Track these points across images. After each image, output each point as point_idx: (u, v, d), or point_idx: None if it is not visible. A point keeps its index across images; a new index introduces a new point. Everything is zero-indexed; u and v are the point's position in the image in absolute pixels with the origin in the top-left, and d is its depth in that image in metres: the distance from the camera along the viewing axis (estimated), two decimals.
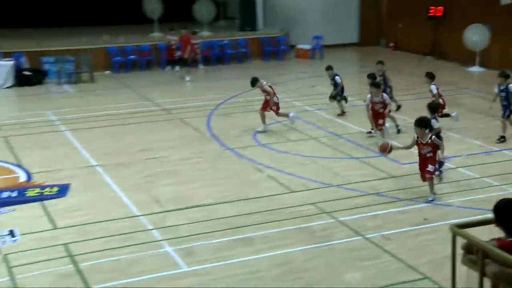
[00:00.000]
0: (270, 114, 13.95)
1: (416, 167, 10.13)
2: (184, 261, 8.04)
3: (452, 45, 22.48)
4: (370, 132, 13.39)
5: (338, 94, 15.10)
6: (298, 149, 12.74)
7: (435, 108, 11.25)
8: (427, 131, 9.68)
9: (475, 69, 21.23)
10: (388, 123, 13.06)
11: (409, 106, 14.90)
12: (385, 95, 13.05)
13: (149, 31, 24.67)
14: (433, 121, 10.37)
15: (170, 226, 9.10)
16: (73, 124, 14.94)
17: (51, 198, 10.25)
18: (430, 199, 9.82)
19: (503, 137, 12.80)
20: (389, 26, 26.51)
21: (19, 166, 11.90)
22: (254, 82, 13.90)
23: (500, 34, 20.56)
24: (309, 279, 7.58)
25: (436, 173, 10.10)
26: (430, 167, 9.71)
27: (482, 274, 4.96)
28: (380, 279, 7.54)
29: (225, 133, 13.72)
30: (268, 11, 26.29)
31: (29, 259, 8.08)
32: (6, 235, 8.83)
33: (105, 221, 9.31)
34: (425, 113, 10.60)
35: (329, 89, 15.43)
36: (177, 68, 20.92)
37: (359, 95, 16.54)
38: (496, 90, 13.02)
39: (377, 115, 12.86)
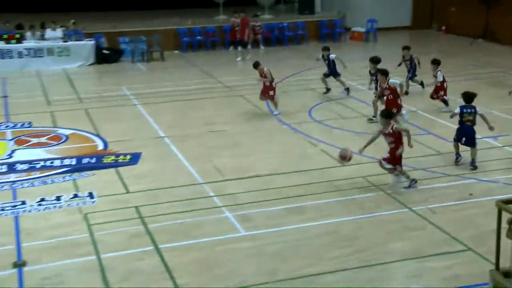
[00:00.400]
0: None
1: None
2: (242, 226, 8.10)
3: (504, 28, 21.54)
4: (371, 119, 12.67)
5: (332, 74, 14.87)
6: (350, 125, 12.56)
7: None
8: (391, 121, 9.05)
9: None
10: (404, 109, 12.17)
11: (458, 88, 14.42)
12: (391, 80, 11.89)
13: (215, 14, 24.69)
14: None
15: (230, 194, 9.16)
16: (144, 98, 15.18)
17: (124, 165, 10.48)
18: (407, 185, 9.11)
19: None
20: (441, 9, 25.59)
21: (98, 135, 12.21)
22: (256, 65, 13.62)
23: None
24: (356, 246, 7.51)
25: (387, 167, 9.17)
26: (385, 155, 9.14)
27: None
28: (425, 248, 7.39)
29: (282, 110, 13.64)
30: None
31: (105, 219, 8.31)
32: (86, 196, 9.10)
33: (172, 187, 9.45)
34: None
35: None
36: (239, 48, 20.94)
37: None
38: None
39: (388, 102, 11.82)
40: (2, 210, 8.63)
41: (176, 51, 22.18)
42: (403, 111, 12.12)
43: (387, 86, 11.85)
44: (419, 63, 14.54)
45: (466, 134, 9.94)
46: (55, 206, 8.77)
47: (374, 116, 12.59)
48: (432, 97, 13.51)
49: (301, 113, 13.50)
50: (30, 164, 10.54)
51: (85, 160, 10.71)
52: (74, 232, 7.93)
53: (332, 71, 14.93)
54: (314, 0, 25.44)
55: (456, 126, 10.24)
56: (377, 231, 7.95)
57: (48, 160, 10.73)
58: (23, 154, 11.07)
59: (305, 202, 8.81)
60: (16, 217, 8.42)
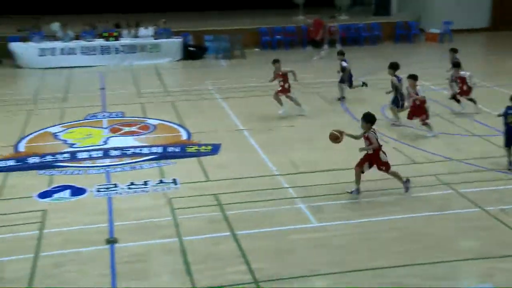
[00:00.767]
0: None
1: None
2: (314, 217, 8.02)
3: None
4: (393, 124, 12.03)
5: (344, 79, 14.18)
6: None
7: None
8: (370, 126, 8.45)
9: None
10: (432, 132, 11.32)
11: None
12: (418, 87, 11.34)
13: (294, 15, 24.59)
14: None
15: (303, 186, 9.10)
16: (225, 93, 15.34)
17: (205, 155, 10.64)
18: (350, 190, 8.58)
19: None
20: None
21: (182, 126, 12.46)
22: (275, 61, 13.15)
23: None
24: (425, 242, 7.26)
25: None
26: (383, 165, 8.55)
27: None
28: (496, 248, 7.04)
29: (356, 108, 13.39)
30: None
31: (187, 204, 8.47)
32: (170, 182, 9.31)
33: (249, 177, 9.50)
34: None
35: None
36: (326, 47, 20.87)
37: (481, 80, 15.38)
38: None
39: (415, 108, 11.30)
40: (98, 191, 8.99)
41: (256, 49, 22.26)
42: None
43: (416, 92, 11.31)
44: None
45: (510, 135, 9.41)
46: (142, 190, 9.03)
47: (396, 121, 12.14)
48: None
49: (373, 112, 13.13)
50: (122, 150, 10.90)
51: (170, 149, 10.96)
52: (159, 215, 8.13)
53: (342, 77, 14.29)
54: (390, 1, 24.81)
55: None
56: (447, 228, 7.65)
57: (137, 148, 11.06)
58: (116, 141, 11.47)
59: (375, 197, 8.61)
60: (109, 198, 8.75)
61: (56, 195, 8.84)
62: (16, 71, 19.14)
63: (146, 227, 7.80)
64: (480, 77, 15.13)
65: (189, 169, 9.96)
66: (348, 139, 8.72)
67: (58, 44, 19.79)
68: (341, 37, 22.55)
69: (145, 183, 9.25)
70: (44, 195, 8.82)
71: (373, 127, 8.55)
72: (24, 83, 18.24)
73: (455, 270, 6.68)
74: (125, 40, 20.37)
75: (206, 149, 10.92)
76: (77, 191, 8.98)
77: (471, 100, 12.79)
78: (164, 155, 10.60)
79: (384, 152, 8.58)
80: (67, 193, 8.94)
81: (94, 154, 10.73)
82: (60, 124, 12.57)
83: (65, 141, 11.50)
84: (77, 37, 20.26)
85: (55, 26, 20.60)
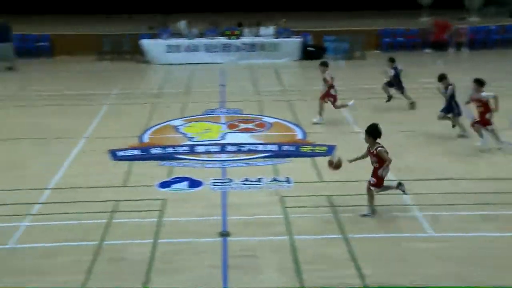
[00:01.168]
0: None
1: None
2: (430, 226, 7.73)
3: None
4: (461, 135, 11.26)
5: (393, 84, 13.59)
6: None
7: None
8: (376, 140, 7.82)
9: None
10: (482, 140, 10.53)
11: None
12: (484, 93, 10.42)
13: (418, 16, 23.78)
14: None
15: (419, 193, 8.79)
16: (342, 94, 15.15)
17: (320, 156, 10.62)
18: (363, 213, 7.96)
19: None
20: None
21: (298, 125, 12.55)
22: (323, 64, 12.78)
23: None
24: None
25: (376, 190, 7.97)
26: (371, 179, 7.90)
27: None
28: None
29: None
30: None
31: (299, 203, 8.53)
32: (283, 181, 9.43)
33: (363, 180, 9.31)
34: None
35: None
36: (452, 50, 20.07)
37: None
38: None
39: (480, 114, 10.51)
40: (214, 185, 9.33)
41: (377, 51, 21.83)
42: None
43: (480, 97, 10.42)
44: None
45: None
46: (256, 187, 9.23)
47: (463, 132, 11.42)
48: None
49: (497, 120, 12.38)
50: (238, 146, 11.21)
51: (285, 148, 11.08)
52: (271, 212, 8.26)
53: (391, 82, 13.74)
54: None
55: None
56: None
57: (253, 145, 11.31)
58: (233, 137, 11.82)
59: (499, 210, 8.11)
60: (224, 192, 9.04)
61: (174, 186, 9.30)
62: (145, 66, 20.38)
63: (258, 223, 7.96)
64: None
65: (303, 168, 10.01)
66: None
67: (183, 41, 20.80)
68: (469, 40, 21.47)
69: (259, 180, 9.44)
70: (164, 185, 9.32)
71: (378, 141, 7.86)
72: (151, 78, 19.36)
73: None
74: (246, 39, 20.91)
75: (320, 150, 10.91)
76: (194, 183, 9.38)
77: None
78: (279, 154, 10.74)
79: (385, 169, 7.87)
80: (185, 184, 9.37)
81: (211, 148, 11.14)
82: (181, 118, 13.19)
83: (185, 134, 12.05)
84: (201, 35, 21.15)
85: (182, 24, 21.63)
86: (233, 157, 10.69)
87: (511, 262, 6.82)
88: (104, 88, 16.43)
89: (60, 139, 11.61)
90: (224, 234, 7.61)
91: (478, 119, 10.68)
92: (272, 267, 6.84)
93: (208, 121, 13.03)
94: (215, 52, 20.73)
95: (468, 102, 11.08)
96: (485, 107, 10.53)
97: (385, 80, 14.00)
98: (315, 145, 11.15)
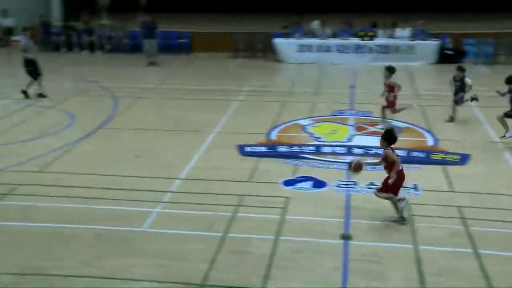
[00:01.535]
0: None
1: None
2: None
3: None
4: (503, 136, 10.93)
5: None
6: None
7: None
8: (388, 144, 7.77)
9: None
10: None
11: None
12: None
13: None
14: None
15: None
16: (482, 101, 14.29)
17: (451, 164, 10.13)
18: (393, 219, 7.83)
19: None
20: None
21: (429, 132, 12.05)
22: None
23: None
24: None
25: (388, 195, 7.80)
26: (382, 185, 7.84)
27: None
28: None
29: None
30: None
31: (426, 212, 8.19)
32: (411, 187, 9.10)
33: (499, 194, 8.76)
34: None
35: None
36: None
37: None
38: None
39: None
40: (338, 186, 9.26)
41: None
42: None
43: None
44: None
45: None
46: None
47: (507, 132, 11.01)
48: None
49: None
50: (365, 149, 11.01)
51: (414, 154, 10.69)
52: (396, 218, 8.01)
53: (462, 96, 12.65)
54: None
55: None
56: None
57: (381, 148, 11.03)
58: (360, 140, 11.64)
59: None
60: (348, 194, 8.94)
61: (298, 185, 9.36)
62: (276, 65, 20.75)
63: (382, 228, 7.77)
64: None
65: (433, 176, 9.61)
66: None
67: (315, 41, 20.87)
68: None
69: None
70: (288, 183, 9.41)
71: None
72: (282, 76, 19.67)
73: None
74: (380, 40, 20.47)
75: (453, 158, 10.39)
76: (318, 184, 9.37)
77: None
78: (408, 159, 10.38)
79: (398, 174, 7.70)
80: (309, 184, 9.39)
81: (337, 150, 11.06)
82: (309, 118, 13.25)
83: (311, 134, 12.08)
84: (333, 35, 21.07)
85: (315, 23, 21.71)
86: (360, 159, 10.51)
87: None
88: (236, 85, 17.00)
89: (193, 132, 12.20)
90: (346, 237, 7.53)
91: None
92: (395, 275, 6.63)
93: (336, 122, 12.95)
94: (347, 53, 20.56)
95: None
96: None
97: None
98: (447, 153, 10.64)
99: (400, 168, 7.77)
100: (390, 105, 12.54)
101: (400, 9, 25.42)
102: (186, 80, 17.97)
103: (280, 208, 8.43)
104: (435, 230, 7.68)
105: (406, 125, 12.55)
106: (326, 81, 17.80)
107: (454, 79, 12.91)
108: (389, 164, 7.82)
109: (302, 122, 12.96)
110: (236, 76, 18.78)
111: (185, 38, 22.87)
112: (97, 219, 8.06)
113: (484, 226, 7.71)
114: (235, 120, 13.22)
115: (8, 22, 23.70)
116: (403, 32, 20.58)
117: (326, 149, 11.08)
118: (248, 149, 11.06)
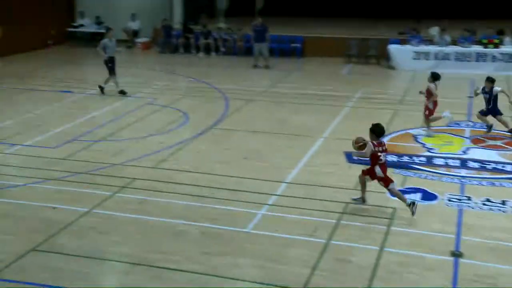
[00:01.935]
0: None
1: None
2: None
3: None
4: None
5: (491, 111, 12.16)
6: None
7: None
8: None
9: None
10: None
11: None
12: None
13: None
14: None
15: None
16: None
17: None
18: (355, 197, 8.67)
19: None
20: None
21: None
22: (436, 76, 12.13)
23: None
24: None
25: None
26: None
27: None
28: None
29: None
30: None
31: None
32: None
33: None
34: None
35: None
36: None
37: None
38: None
39: None
40: (449, 200, 8.85)
41: None
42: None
43: None
44: None
45: None
46: (499, 209, 8.49)
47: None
48: None
49: None
50: (482, 163, 10.43)
51: None
52: None
53: (492, 108, 12.12)
54: None
55: None
56: None
57: (500, 163, 10.41)
58: (477, 153, 11.05)
59: None
60: (460, 210, 8.51)
61: (407, 196, 9.05)
62: (390, 72, 20.25)
63: (498, 249, 7.31)
64: None
65: None
66: None
67: (433, 48, 20.10)
68: None
69: (503, 203, 8.67)
70: None
71: (381, 139, 8.28)
72: (396, 84, 19.15)
73: None
74: (506, 48, 19.29)
75: None
76: (428, 196, 9.01)
77: None
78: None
79: (381, 167, 8.19)
80: (418, 196, 9.07)
81: (451, 162, 10.58)
82: (421, 128, 12.77)
83: (423, 145, 11.65)
84: (453, 43, 20.16)
85: (434, 30, 20.92)
86: (474, 174, 9.99)
87: None
88: (348, 90, 16.81)
89: (301, 136, 12.23)
90: (457, 254, 7.17)
91: None
92: None
93: (451, 133, 12.39)
94: (467, 61, 19.57)
95: None
96: None
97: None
98: None
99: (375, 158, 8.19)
100: (431, 113, 12.10)
101: None
102: (297, 84, 18.06)
103: (387, 218, 8.21)
104: None
105: None
106: (442, 90, 17.03)
107: (483, 90, 12.16)
108: (372, 155, 8.23)
109: (414, 131, 12.53)
110: (347, 81, 18.57)
111: (298, 42, 23.00)
112: (203, 217, 8.33)
113: None
114: (344, 126, 13.07)
115: (135, 25, 25.18)
116: None
117: (438, 161, 10.64)
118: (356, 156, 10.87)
